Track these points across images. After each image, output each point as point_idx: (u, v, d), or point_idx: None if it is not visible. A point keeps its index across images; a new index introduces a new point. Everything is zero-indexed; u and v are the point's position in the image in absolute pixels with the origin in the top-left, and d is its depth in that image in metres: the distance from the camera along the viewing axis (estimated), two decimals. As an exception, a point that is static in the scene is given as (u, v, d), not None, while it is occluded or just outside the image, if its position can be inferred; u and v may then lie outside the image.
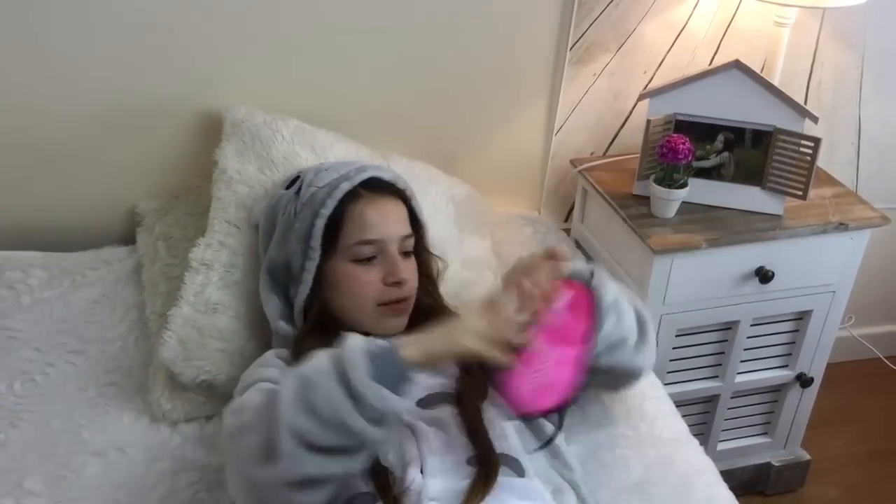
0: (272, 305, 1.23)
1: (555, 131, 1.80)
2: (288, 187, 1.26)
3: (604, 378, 1.18)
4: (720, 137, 1.59)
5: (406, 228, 1.22)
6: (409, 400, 0.97)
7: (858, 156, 2.02)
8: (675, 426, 1.32)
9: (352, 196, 1.19)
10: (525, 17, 1.65)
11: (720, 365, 1.76)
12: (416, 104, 1.69)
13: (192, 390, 1.27)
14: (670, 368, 1.72)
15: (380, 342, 0.97)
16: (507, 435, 1.08)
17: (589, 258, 1.77)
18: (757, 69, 1.55)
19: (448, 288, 1.36)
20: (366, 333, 1.19)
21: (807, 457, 1.96)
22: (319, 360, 0.95)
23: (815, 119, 1.55)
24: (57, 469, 1.18)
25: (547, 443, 1.13)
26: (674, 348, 1.69)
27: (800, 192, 1.58)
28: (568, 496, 1.09)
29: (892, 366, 2.23)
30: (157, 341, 1.30)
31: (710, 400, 1.80)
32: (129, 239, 1.62)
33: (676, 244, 1.54)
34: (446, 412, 1.07)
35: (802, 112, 1.54)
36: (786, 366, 1.81)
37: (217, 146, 1.45)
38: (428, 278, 1.29)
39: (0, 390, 1.30)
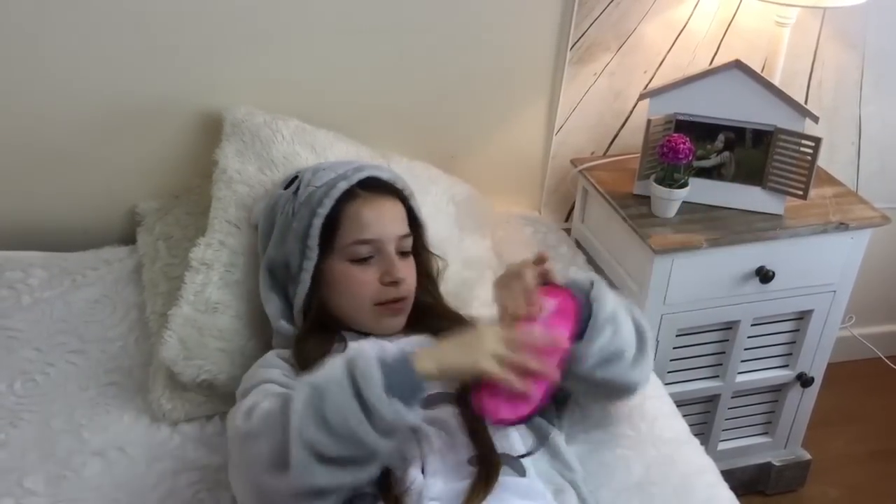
0: (273, 305, 1.23)
1: (555, 131, 1.80)
2: (286, 187, 1.26)
3: (598, 391, 1.18)
4: (721, 137, 1.59)
5: (403, 228, 1.22)
6: (420, 411, 0.96)
7: (859, 155, 2.02)
8: (675, 426, 1.32)
9: (349, 195, 1.19)
10: (525, 16, 1.65)
11: (721, 365, 1.76)
12: (416, 104, 1.69)
13: (193, 390, 1.27)
14: (671, 368, 1.71)
15: (394, 351, 0.96)
16: (508, 435, 1.08)
17: (589, 258, 1.76)
18: (757, 69, 1.55)
19: (448, 287, 1.36)
20: (365, 333, 1.19)
21: (807, 457, 1.96)
22: (332, 370, 0.95)
23: (815, 119, 1.55)
24: (57, 469, 1.18)
25: (539, 445, 1.12)
26: (674, 348, 1.69)
27: (800, 192, 1.58)
28: (569, 496, 1.09)
29: (892, 365, 2.23)
30: (157, 341, 1.30)
31: (711, 400, 1.80)
32: (129, 239, 1.62)
33: (677, 244, 1.54)
34: (447, 412, 1.07)
35: (803, 112, 1.54)
36: (786, 365, 1.81)
37: (217, 146, 1.45)
38: (428, 277, 1.30)
39: (0, 390, 1.30)
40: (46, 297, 1.48)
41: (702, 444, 1.31)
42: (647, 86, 1.78)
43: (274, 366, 1.13)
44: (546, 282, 1.10)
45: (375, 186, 1.22)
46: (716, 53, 1.79)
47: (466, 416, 1.06)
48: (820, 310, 1.73)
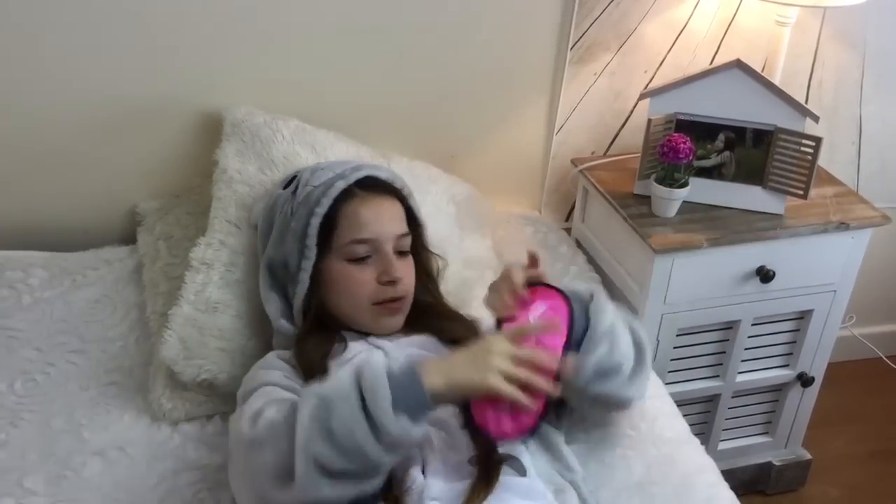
0: (273, 304, 1.23)
1: (555, 131, 1.80)
2: (285, 187, 1.26)
3: (591, 404, 1.18)
4: (721, 137, 1.59)
5: (402, 227, 1.22)
6: (426, 425, 0.95)
7: (859, 155, 2.02)
8: (675, 426, 1.32)
9: (347, 195, 1.19)
10: (525, 16, 1.65)
11: (721, 364, 1.76)
12: (417, 104, 1.69)
13: (193, 389, 1.27)
14: (671, 368, 1.71)
15: (402, 363, 0.96)
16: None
17: (589, 258, 1.76)
18: (758, 68, 1.55)
19: (449, 287, 1.37)
20: (364, 333, 1.19)
21: (808, 456, 1.96)
22: (340, 381, 0.94)
23: (816, 118, 1.55)
24: (57, 468, 1.18)
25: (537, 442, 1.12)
26: (674, 348, 1.69)
27: (801, 192, 1.58)
28: (569, 496, 1.09)
29: (893, 365, 2.23)
30: (157, 341, 1.30)
31: (711, 399, 1.80)
32: (129, 238, 1.62)
33: (677, 243, 1.53)
34: (448, 412, 1.07)
35: (803, 111, 1.54)
36: (787, 365, 1.81)
37: (217, 146, 1.45)
38: (428, 277, 1.30)
39: (1, 390, 1.30)
40: (47, 297, 1.48)
41: (702, 443, 1.31)
42: (647, 85, 1.78)
43: (274, 367, 1.13)
44: (537, 283, 1.10)
45: (373, 186, 1.22)
46: (716, 53, 1.79)
47: (467, 415, 1.06)
48: (820, 309, 1.73)
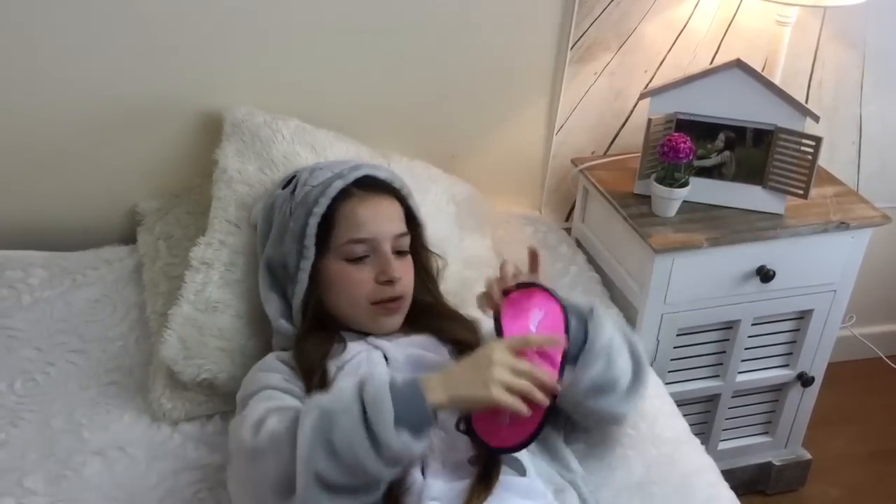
0: (272, 304, 1.23)
1: (556, 130, 1.80)
2: (284, 187, 1.26)
3: (585, 419, 1.18)
4: (721, 136, 1.59)
5: (400, 227, 1.22)
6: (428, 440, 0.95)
7: (859, 155, 2.02)
8: (675, 425, 1.32)
9: (345, 195, 1.19)
10: (526, 16, 1.65)
11: (721, 364, 1.76)
12: (417, 104, 1.69)
13: (193, 389, 1.27)
14: (671, 368, 1.71)
15: (406, 377, 0.96)
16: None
17: (589, 257, 1.76)
18: (758, 68, 1.55)
19: (449, 287, 1.36)
20: (363, 333, 1.19)
21: (808, 456, 1.96)
22: (343, 395, 0.94)
23: (816, 118, 1.55)
24: (57, 468, 1.18)
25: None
26: (674, 347, 1.69)
27: (801, 192, 1.58)
28: (569, 495, 1.09)
29: (893, 365, 2.23)
30: (157, 340, 1.30)
31: (711, 399, 1.80)
32: (129, 238, 1.62)
33: (677, 243, 1.53)
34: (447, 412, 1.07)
35: (803, 111, 1.54)
36: (787, 365, 1.81)
37: (217, 146, 1.45)
38: (427, 276, 1.29)
39: (1, 389, 1.30)
40: (47, 297, 1.48)
41: (702, 443, 1.31)
42: (647, 85, 1.78)
43: (274, 370, 1.13)
44: (533, 285, 1.09)
45: (372, 185, 1.22)
46: (716, 53, 1.79)
47: (469, 426, 1.06)
48: (820, 309, 1.73)
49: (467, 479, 1.00)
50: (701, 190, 1.60)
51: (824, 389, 1.86)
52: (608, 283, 1.70)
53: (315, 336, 1.17)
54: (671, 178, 1.56)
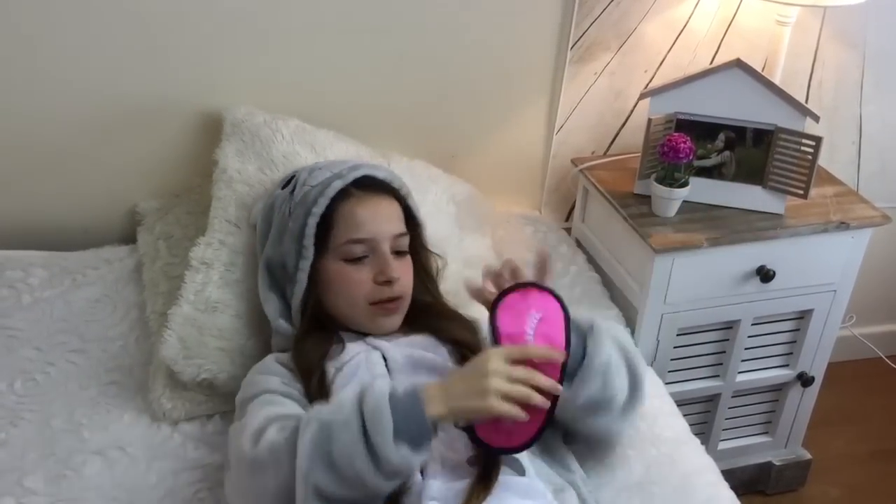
0: (271, 304, 1.23)
1: (556, 130, 1.80)
2: (283, 187, 1.26)
3: (578, 436, 1.17)
4: (721, 136, 1.59)
5: (399, 227, 1.22)
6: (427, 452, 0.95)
7: (859, 155, 2.02)
8: (675, 425, 1.32)
9: (344, 195, 1.19)
10: (526, 16, 1.65)
11: (721, 364, 1.76)
12: (417, 104, 1.69)
13: (193, 389, 1.27)
14: (671, 368, 1.71)
15: (406, 388, 0.95)
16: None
17: (589, 257, 1.76)
18: (758, 68, 1.55)
19: (449, 287, 1.36)
20: (362, 333, 1.19)
21: (808, 456, 1.96)
22: (342, 407, 0.94)
23: (816, 118, 1.55)
24: (57, 468, 1.18)
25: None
26: (674, 347, 1.68)
27: (801, 192, 1.58)
28: (569, 495, 1.09)
29: (893, 365, 2.23)
30: (157, 340, 1.30)
31: (711, 399, 1.80)
32: (129, 238, 1.62)
33: (677, 243, 1.53)
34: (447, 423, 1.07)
35: (803, 111, 1.54)
36: (787, 365, 1.81)
37: (217, 146, 1.45)
38: (427, 276, 1.29)
39: (1, 389, 1.30)
40: (47, 297, 1.48)
41: (702, 443, 1.32)
42: (647, 85, 1.78)
43: (273, 373, 1.13)
44: (531, 284, 1.09)
45: (371, 185, 1.22)
46: (716, 53, 1.79)
47: (471, 432, 1.06)
48: (820, 309, 1.73)
49: (466, 479, 1.00)
50: (701, 190, 1.60)
51: (824, 389, 1.86)
52: (608, 283, 1.70)
53: (314, 336, 1.17)
54: (671, 178, 1.56)
